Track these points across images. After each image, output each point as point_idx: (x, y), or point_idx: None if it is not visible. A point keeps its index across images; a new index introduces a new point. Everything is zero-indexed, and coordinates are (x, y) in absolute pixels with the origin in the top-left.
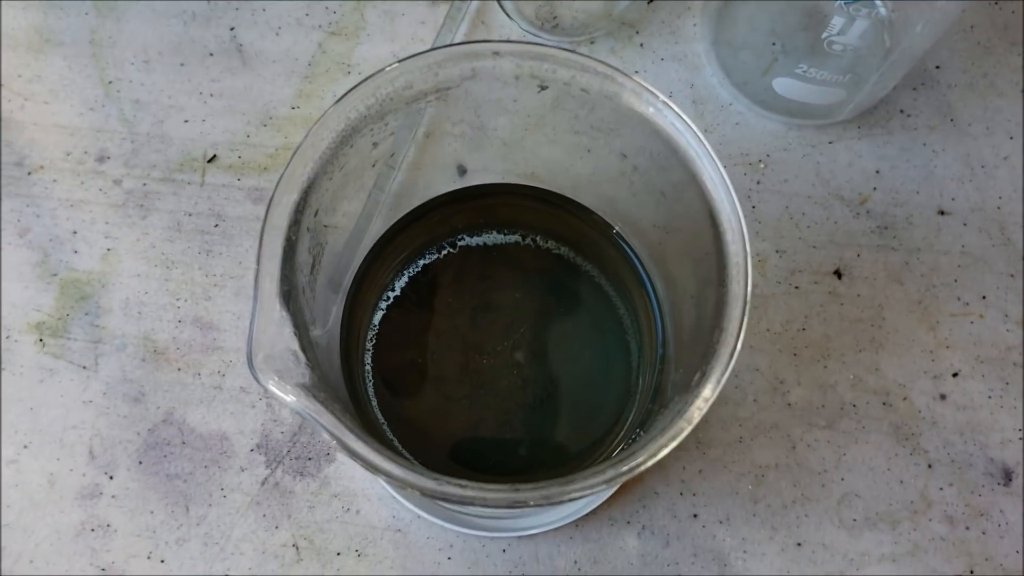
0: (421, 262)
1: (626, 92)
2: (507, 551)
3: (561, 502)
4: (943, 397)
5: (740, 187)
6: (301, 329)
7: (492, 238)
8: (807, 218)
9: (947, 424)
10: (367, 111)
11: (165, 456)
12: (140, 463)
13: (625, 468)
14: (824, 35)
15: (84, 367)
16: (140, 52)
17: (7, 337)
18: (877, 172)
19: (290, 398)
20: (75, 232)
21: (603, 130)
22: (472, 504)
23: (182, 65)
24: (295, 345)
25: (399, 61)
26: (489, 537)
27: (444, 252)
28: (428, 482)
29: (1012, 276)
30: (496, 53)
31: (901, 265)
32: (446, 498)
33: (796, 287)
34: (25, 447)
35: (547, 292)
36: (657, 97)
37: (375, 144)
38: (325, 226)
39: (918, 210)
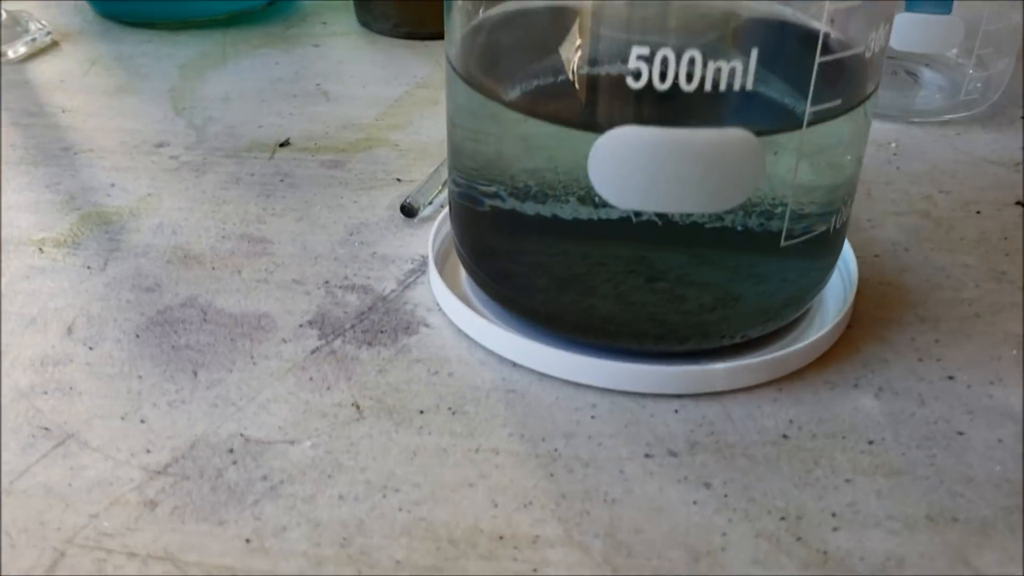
0: None
1: None
2: (681, 412)
3: None
4: None
5: (876, 157)
6: None
7: None
8: (961, 173)
9: None
10: None
11: (175, 331)
12: (137, 336)
13: None
14: None
15: (88, 267)
16: (220, 95)
17: None
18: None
19: None
20: (113, 184)
21: None
22: None
23: (263, 101)
24: None
25: None
26: (650, 396)
27: None
28: None
29: None
30: None
31: None
32: None
33: (978, 212)
34: None
35: None
36: None
37: None
38: None
39: None
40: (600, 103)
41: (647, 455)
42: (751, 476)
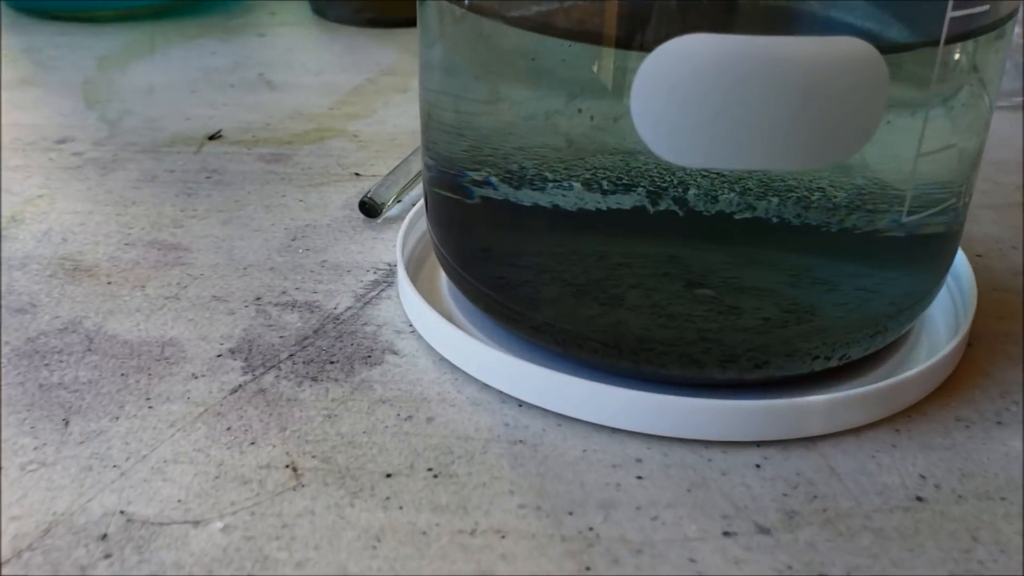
0: None
1: None
2: (765, 467)
3: None
4: None
5: None
6: None
7: None
8: None
9: None
10: None
11: (47, 365)
12: None
13: None
14: None
15: None
16: (142, 87)
17: None
18: None
19: None
20: None
21: None
22: None
23: (193, 92)
24: None
25: None
26: (718, 444)
27: None
28: None
29: None
30: None
31: None
32: None
33: None
34: None
35: None
36: None
37: None
38: None
39: None
40: (649, 4)
41: (726, 533)
42: (885, 560)
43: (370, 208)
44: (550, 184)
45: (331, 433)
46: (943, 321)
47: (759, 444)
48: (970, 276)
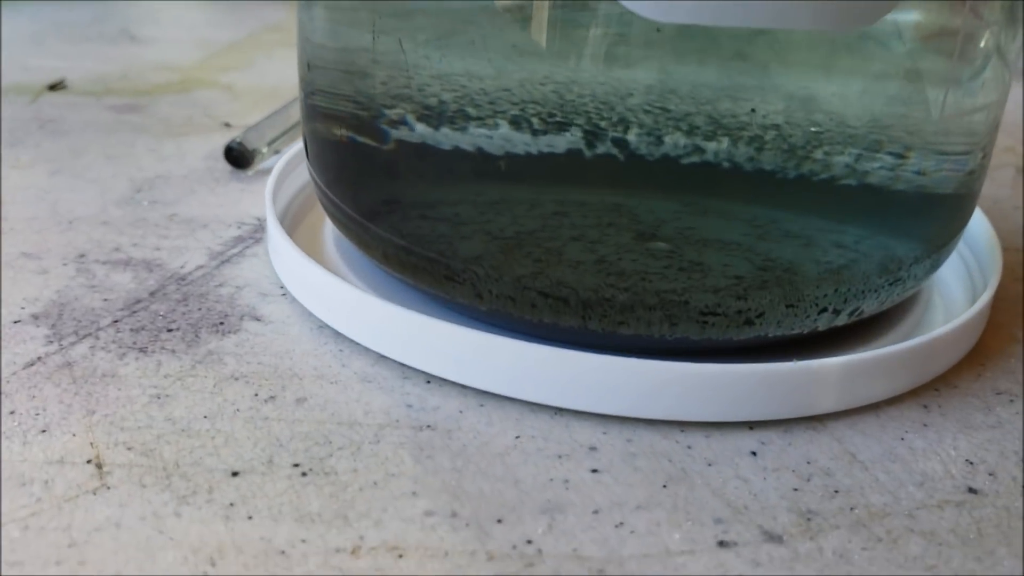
0: None
1: None
2: (763, 455)
3: None
4: None
5: None
6: None
7: None
8: None
9: None
10: None
11: None
12: None
13: None
14: None
15: None
16: None
17: None
18: None
19: None
20: None
21: None
22: None
23: (38, 44)
24: None
25: None
26: (699, 426)
27: None
28: None
29: None
30: None
31: None
32: None
33: None
34: None
35: None
36: None
37: None
38: None
39: None
40: None
41: (723, 543)
42: (946, 573)
43: (239, 156)
44: (472, 123)
45: (158, 418)
46: (956, 282)
47: (751, 426)
48: (989, 232)
